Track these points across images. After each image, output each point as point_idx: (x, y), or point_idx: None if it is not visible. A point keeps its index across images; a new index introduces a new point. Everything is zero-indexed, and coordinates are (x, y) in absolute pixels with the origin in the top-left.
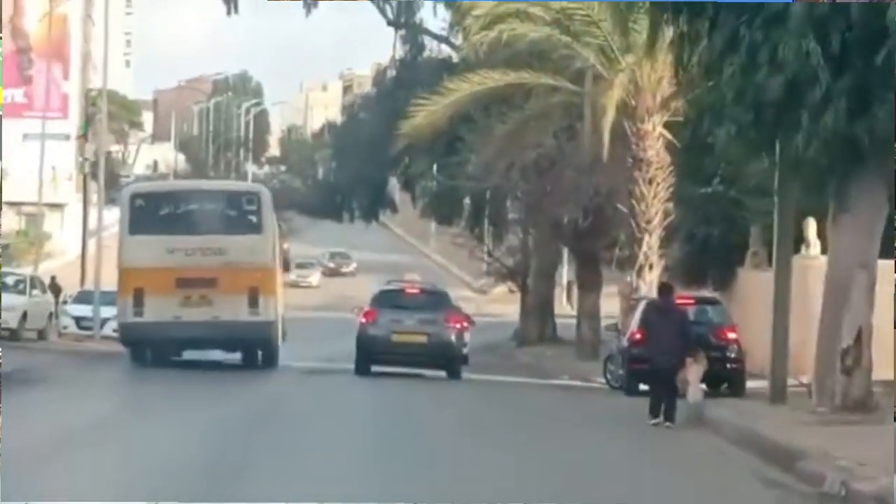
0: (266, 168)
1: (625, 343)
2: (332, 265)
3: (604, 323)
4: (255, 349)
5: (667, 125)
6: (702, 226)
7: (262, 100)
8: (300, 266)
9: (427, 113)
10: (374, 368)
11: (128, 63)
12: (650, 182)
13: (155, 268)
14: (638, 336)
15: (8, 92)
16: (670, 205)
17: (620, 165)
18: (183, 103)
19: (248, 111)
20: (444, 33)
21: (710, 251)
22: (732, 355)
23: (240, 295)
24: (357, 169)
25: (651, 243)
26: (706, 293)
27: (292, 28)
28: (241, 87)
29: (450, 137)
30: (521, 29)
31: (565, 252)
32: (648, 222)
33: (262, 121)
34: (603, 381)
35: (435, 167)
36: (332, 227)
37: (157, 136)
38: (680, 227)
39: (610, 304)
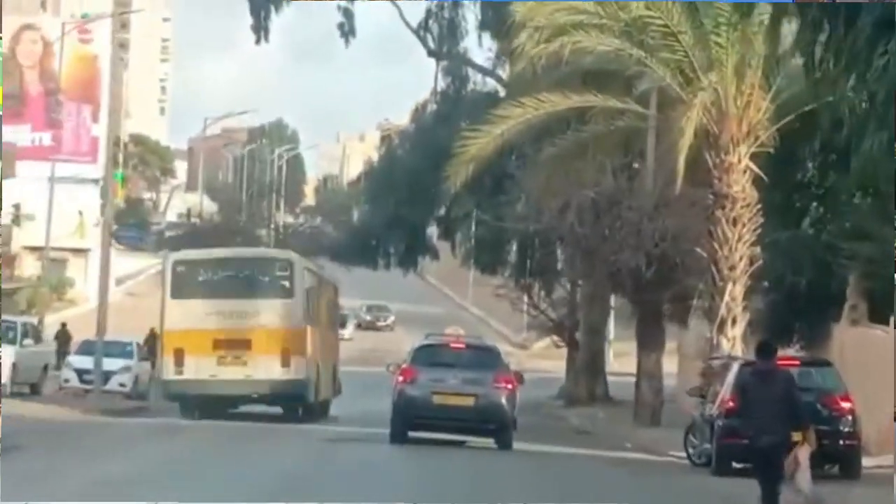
0: (301, 218)
1: (714, 412)
2: (368, 318)
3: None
4: (292, 404)
5: (753, 157)
6: (789, 273)
7: (297, 145)
8: None
9: (474, 147)
10: (413, 434)
11: (162, 110)
12: (734, 222)
13: (194, 329)
14: (732, 404)
15: (36, 135)
16: (757, 249)
17: (692, 204)
18: (218, 151)
19: (280, 157)
20: (490, 65)
21: (798, 303)
22: (847, 429)
23: (272, 355)
24: (394, 211)
25: (735, 293)
26: (790, 352)
27: (330, 76)
28: (277, 135)
29: (497, 175)
30: (586, 42)
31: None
32: (732, 269)
33: (296, 169)
34: (682, 454)
35: (478, 209)
36: (365, 277)
37: (192, 185)
38: (765, 275)
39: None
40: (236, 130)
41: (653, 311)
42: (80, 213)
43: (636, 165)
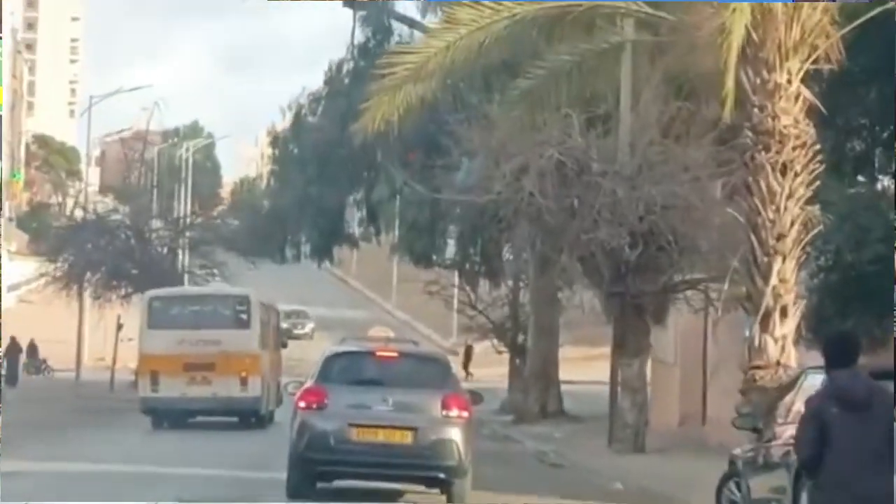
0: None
1: (775, 450)
2: (285, 325)
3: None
4: (247, 416)
5: (807, 78)
6: (849, 245)
7: (208, 137)
8: None
9: (392, 90)
10: (323, 486)
11: (72, 112)
12: (783, 170)
13: (167, 355)
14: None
15: None
16: (815, 209)
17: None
18: (131, 154)
19: (188, 150)
20: (419, 12)
21: (858, 288)
22: None
23: (233, 376)
24: (303, 191)
25: (785, 273)
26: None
27: (251, 80)
28: (192, 137)
29: (431, 135)
30: None
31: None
32: (780, 238)
33: (213, 172)
34: None
35: (407, 185)
36: (280, 279)
37: (105, 188)
38: (817, 249)
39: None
40: (150, 133)
41: (634, 305)
42: None
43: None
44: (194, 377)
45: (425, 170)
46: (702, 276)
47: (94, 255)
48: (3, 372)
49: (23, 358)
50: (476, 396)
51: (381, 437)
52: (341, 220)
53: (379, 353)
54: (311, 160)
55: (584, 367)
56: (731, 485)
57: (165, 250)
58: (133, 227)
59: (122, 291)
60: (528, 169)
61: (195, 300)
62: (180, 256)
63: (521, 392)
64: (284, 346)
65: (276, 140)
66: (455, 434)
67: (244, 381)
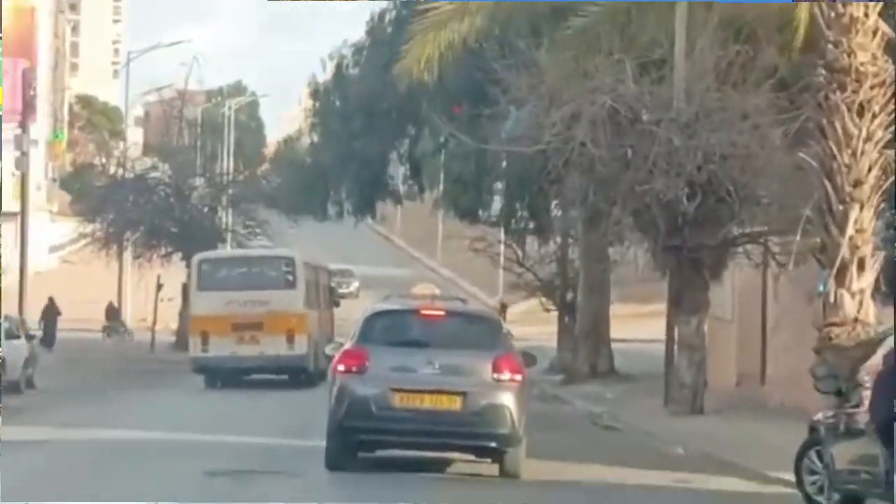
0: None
1: (861, 416)
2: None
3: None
4: (295, 374)
5: (886, 11)
6: None
7: (251, 95)
8: None
9: (434, 27)
10: (365, 455)
11: (115, 73)
12: (860, 111)
13: (216, 315)
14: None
15: None
16: (893, 153)
17: (743, 116)
18: (170, 111)
19: (230, 108)
20: None
21: None
22: None
23: (280, 335)
24: (346, 145)
25: (863, 222)
26: None
27: (296, 41)
28: (235, 95)
29: (478, 83)
30: None
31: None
32: (857, 184)
33: (257, 133)
34: (784, 476)
35: (453, 136)
36: (323, 238)
37: (148, 149)
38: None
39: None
40: (195, 93)
41: (692, 259)
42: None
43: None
44: (243, 336)
45: (471, 120)
46: (762, 229)
47: (133, 213)
48: (40, 333)
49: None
50: (529, 358)
51: (426, 402)
52: (384, 174)
53: (424, 312)
54: (354, 113)
55: (635, 325)
56: (813, 454)
57: (206, 209)
58: (172, 184)
59: (162, 251)
60: (579, 117)
61: (242, 262)
62: (221, 215)
63: (570, 351)
64: (337, 304)
65: (317, 92)
66: (507, 399)
67: (291, 340)
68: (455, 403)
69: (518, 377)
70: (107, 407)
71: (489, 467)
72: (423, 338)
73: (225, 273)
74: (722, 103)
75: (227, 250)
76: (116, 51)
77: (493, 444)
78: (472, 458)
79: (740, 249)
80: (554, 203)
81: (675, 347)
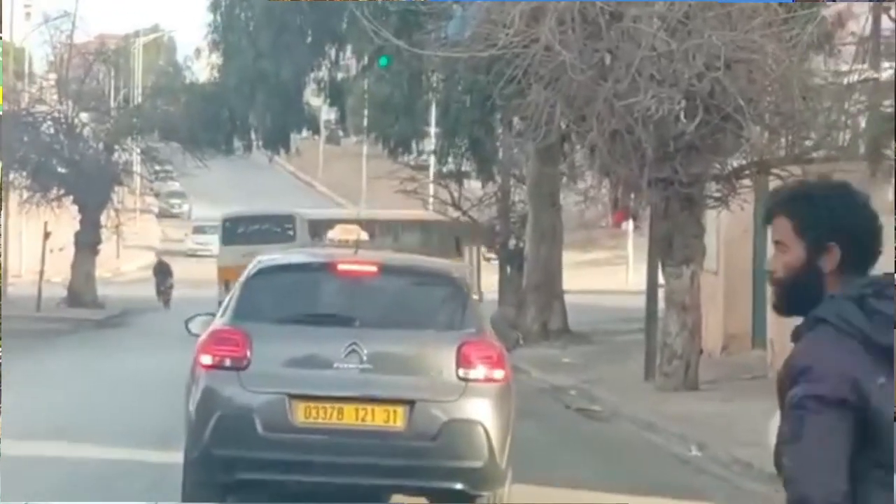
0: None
1: None
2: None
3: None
4: None
5: None
6: None
7: (160, 31)
8: (198, 231)
9: None
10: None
11: (28, 15)
12: None
13: (235, 266)
14: None
15: None
16: None
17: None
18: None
19: (136, 45)
20: None
21: None
22: None
23: None
24: (252, 66)
25: None
26: None
27: None
28: (153, 42)
29: None
30: None
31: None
32: None
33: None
34: None
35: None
36: (229, 179)
37: (62, 95)
38: None
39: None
40: (111, 37)
41: (685, 195)
42: None
43: None
44: None
45: (404, 25)
46: (777, 157)
47: (17, 152)
48: None
49: None
50: (509, 338)
51: (348, 418)
52: (299, 101)
53: (343, 267)
54: (261, 27)
55: (577, 276)
56: None
57: (101, 146)
58: (61, 119)
59: (52, 194)
60: (544, 13)
61: (254, 220)
62: (119, 154)
63: (515, 307)
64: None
65: (217, 3)
66: (482, 410)
67: None
68: (396, 419)
69: (499, 373)
70: None
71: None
72: (342, 310)
73: (242, 229)
74: None
75: (245, 209)
76: None
77: (459, 486)
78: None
79: (748, 183)
80: (499, 130)
81: (666, 307)
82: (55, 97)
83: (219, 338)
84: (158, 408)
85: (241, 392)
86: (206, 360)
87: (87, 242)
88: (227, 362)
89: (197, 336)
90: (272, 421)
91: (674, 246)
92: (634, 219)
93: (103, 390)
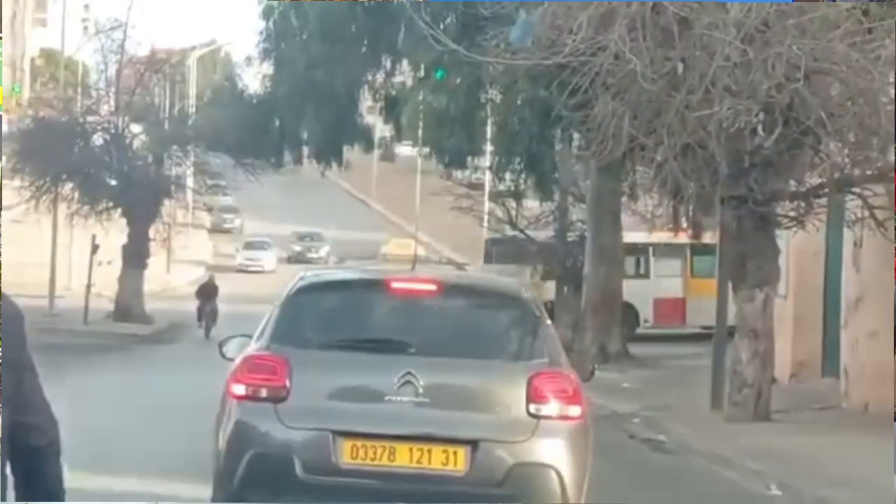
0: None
1: None
2: (298, 248)
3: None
4: None
5: None
6: None
7: (214, 43)
8: (249, 246)
9: None
10: None
11: (86, 29)
12: None
13: None
14: None
15: None
16: None
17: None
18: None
19: (195, 61)
20: None
21: None
22: None
23: None
24: (304, 76)
25: None
26: None
27: None
28: (209, 56)
29: None
30: None
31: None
32: None
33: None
34: None
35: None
36: (281, 195)
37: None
38: None
39: None
40: (167, 51)
41: (760, 214)
42: None
43: None
44: None
45: (464, 34)
46: (859, 174)
47: (66, 162)
48: None
49: None
50: (585, 367)
51: (401, 459)
52: (353, 113)
53: (397, 286)
54: (315, 36)
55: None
56: None
57: (150, 158)
58: (112, 129)
59: (100, 206)
60: (613, 19)
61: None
62: (169, 166)
63: (572, 329)
64: None
65: (270, 10)
66: (556, 453)
67: None
68: (457, 462)
69: (575, 410)
70: None
71: None
72: (395, 334)
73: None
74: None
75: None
76: (86, 6)
77: None
78: None
79: (823, 202)
80: (559, 146)
81: (737, 334)
82: (107, 108)
83: (253, 364)
84: (203, 432)
85: (278, 427)
86: (239, 390)
87: (135, 256)
88: (263, 393)
89: (233, 361)
90: (313, 461)
91: (747, 268)
92: (697, 238)
93: (141, 412)
